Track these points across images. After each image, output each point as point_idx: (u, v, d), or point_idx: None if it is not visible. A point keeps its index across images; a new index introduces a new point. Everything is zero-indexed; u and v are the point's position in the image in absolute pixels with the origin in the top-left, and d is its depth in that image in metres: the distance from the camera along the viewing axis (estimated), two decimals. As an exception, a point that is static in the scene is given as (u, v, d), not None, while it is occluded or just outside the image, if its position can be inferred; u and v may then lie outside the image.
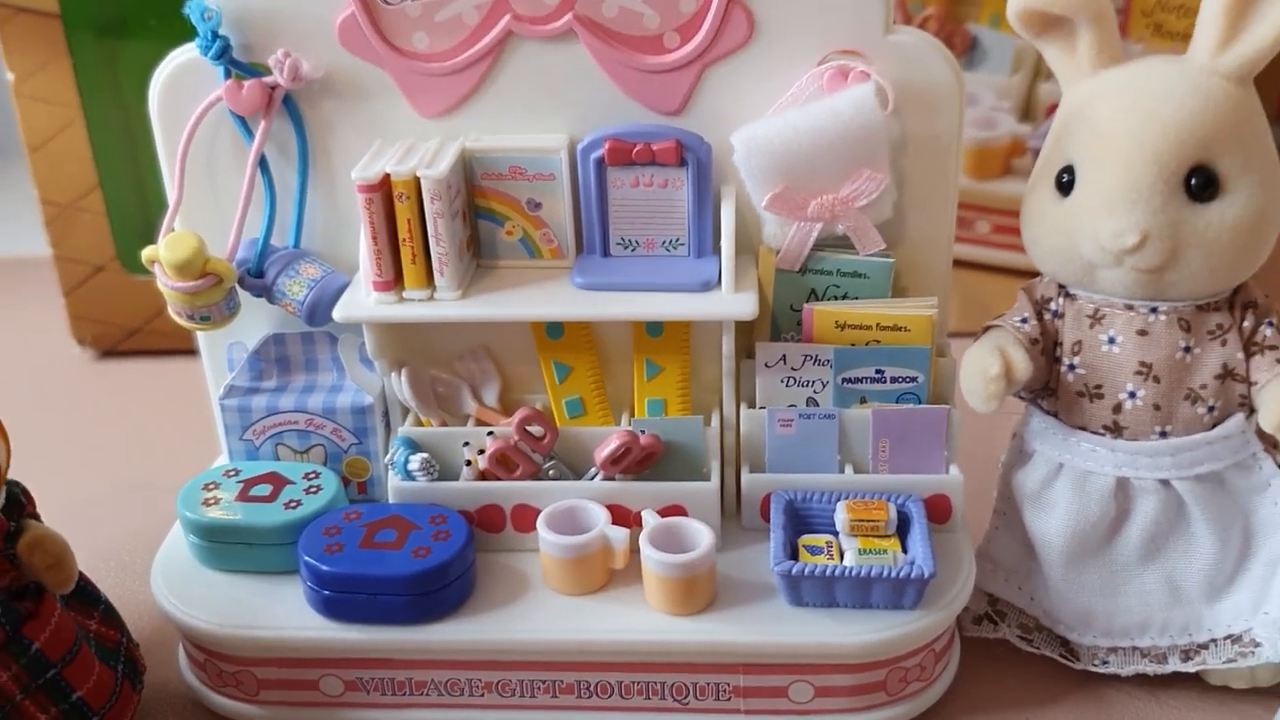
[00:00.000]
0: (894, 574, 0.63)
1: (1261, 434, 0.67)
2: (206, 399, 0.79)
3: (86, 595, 0.68)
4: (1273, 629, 0.66)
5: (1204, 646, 0.70)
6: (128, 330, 1.11)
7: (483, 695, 0.68)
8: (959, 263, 1.04)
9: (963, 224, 1.03)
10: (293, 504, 0.70)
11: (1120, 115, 0.64)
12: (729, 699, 0.67)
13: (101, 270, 1.10)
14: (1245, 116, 0.64)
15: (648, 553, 0.66)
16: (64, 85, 1.04)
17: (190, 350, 1.07)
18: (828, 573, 0.64)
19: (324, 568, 0.65)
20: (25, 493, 0.65)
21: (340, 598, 0.66)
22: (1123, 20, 0.96)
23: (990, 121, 1.00)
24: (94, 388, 1.07)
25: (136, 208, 1.09)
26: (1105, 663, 0.70)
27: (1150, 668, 0.70)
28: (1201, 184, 0.63)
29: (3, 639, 0.62)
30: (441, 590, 0.66)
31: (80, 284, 1.10)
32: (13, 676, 0.62)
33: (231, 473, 0.73)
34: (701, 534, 0.66)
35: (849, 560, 0.65)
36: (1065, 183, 0.66)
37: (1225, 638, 0.69)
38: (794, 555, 0.66)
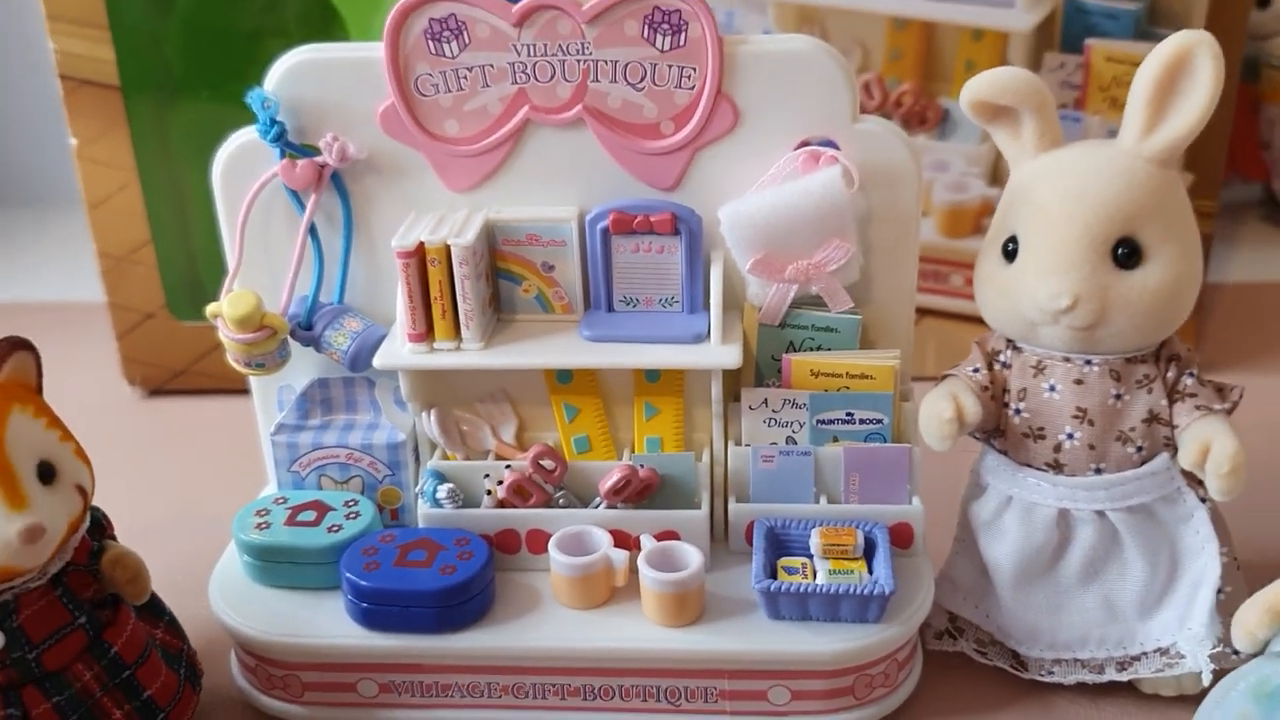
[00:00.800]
0: (860, 591, 0.71)
1: (1184, 471, 0.73)
2: (246, 433, 0.87)
3: (154, 608, 0.76)
4: (1194, 643, 0.73)
5: (1136, 659, 0.76)
6: (174, 371, 1.19)
7: (500, 697, 0.75)
8: (935, 312, 1.13)
9: (938, 278, 1.11)
10: (335, 528, 0.77)
11: (1057, 193, 0.71)
12: (716, 701, 0.74)
13: (151, 317, 1.17)
14: (1166, 194, 0.71)
15: (645, 572, 0.73)
16: (122, 150, 1.11)
17: (231, 390, 1.16)
18: (802, 590, 0.71)
19: (362, 583, 0.73)
20: (105, 518, 0.73)
21: (376, 609, 0.73)
22: (1081, 95, 1.05)
23: (962, 186, 1.08)
24: (143, 424, 1.15)
25: (184, 261, 1.17)
26: (1050, 673, 0.77)
27: (1089, 677, 0.77)
28: (1126, 254, 0.70)
29: (87, 643, 0.69)
30: (465, 604, 0.73)
31: (132, 329, 1.17)
32: (94, 675, 0.69)
33: (280, 500, 0.80)
34: (692, 555, 0.74)
35: (821, 579, 0.73)
36: (1010, 251, 0.74)
37: (1155, 650, 0.75)
38: (773, 575, 0.73)
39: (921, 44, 1.07)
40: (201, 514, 0.96)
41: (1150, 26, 1.06)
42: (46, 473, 0.66)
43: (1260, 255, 1.45)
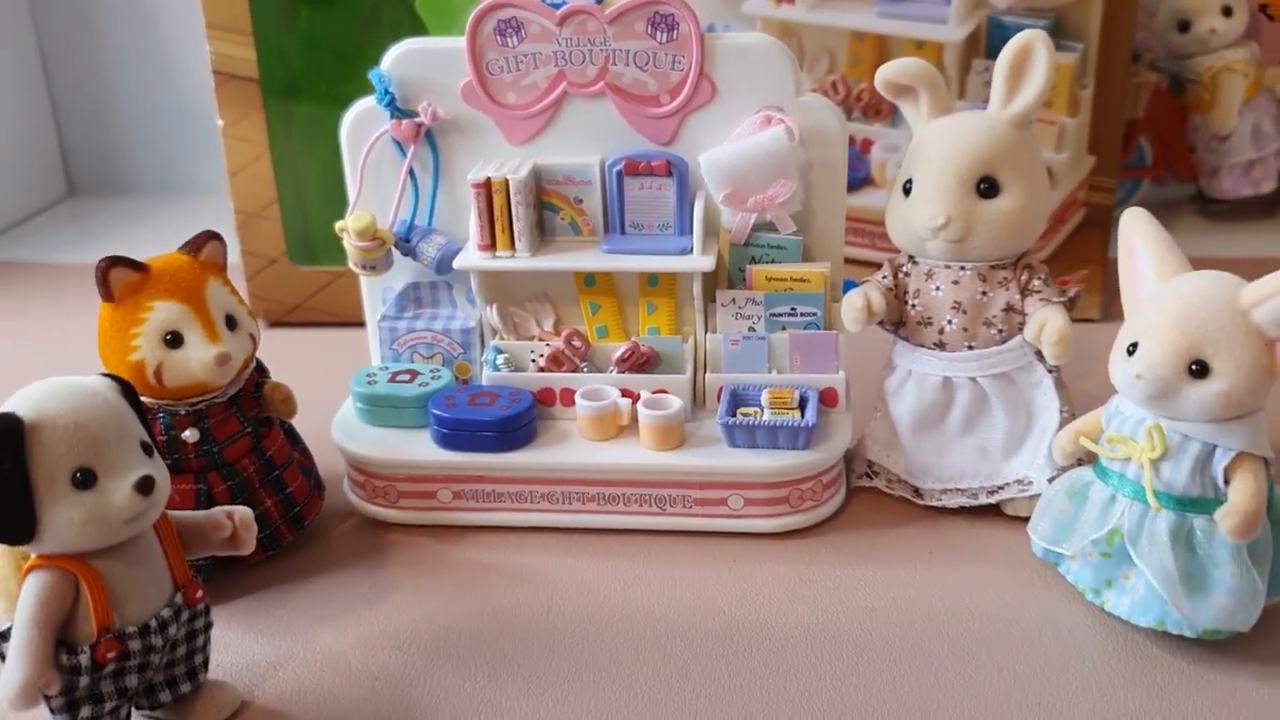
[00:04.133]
0: (791, 424, 0.98)
1: (1037, 352, 0.98)
2: (345, 352, 1.14)
3: (292, 435, 1.03)
4: (1039, 472, 0.98)
5: (1001, 487, 1.00)
6: (290, 306, 1.44)
7: (538, 502, 1.00)
8: (876, 262, 1.38)
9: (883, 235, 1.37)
10: (423, 384, 1.03)
11: (939, 146, 0.96)
12: (691, 506, 0.99)
13: (275, 262, 1.41)
14: (1018, 146, 0.95)
15: (642, 411, 0.98)
16: (257, 130, 1.36)
17: (334, 323, 1.44)
18: (751, 423, 0.97)
19: (444, 415, 0.99)
20: (263, 363, 1.01)
21: (453, 434, 0.99)
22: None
23: (908, 163, 1.34)
24: (267, 346, 1.43)
25: (300, 218, 1.43)
26: (940, 500, 1.02)
27: (967, 502, 1.00)
28: (986, 188, 0.95)
29: (250, 446, 0.95)
30: (516, 431, 0.98)
31: (259, 272, 1.42)
32: (255, 470, 0.96)
33: (383, 368, 1.07)
34: (676, 400, 0.99)
35: (765, 419, 1.00)
36: (907, 189, 0.99)
37: (1014, 481, 0.99)
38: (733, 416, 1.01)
39: (876, 51, 1.32)
40: (316, 400, 1.16)
41: (1056, 39, 1.32)
42: (231, 323, 0.93)
43: (1188, 239, 1.68)
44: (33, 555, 0.76)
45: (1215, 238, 1.69)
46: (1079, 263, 1.33)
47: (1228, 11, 1.62)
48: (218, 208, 1.42)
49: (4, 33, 1.93)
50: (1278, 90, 1.67)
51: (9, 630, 0.75)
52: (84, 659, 0.74)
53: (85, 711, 0.76)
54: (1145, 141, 1.72)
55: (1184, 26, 1.63)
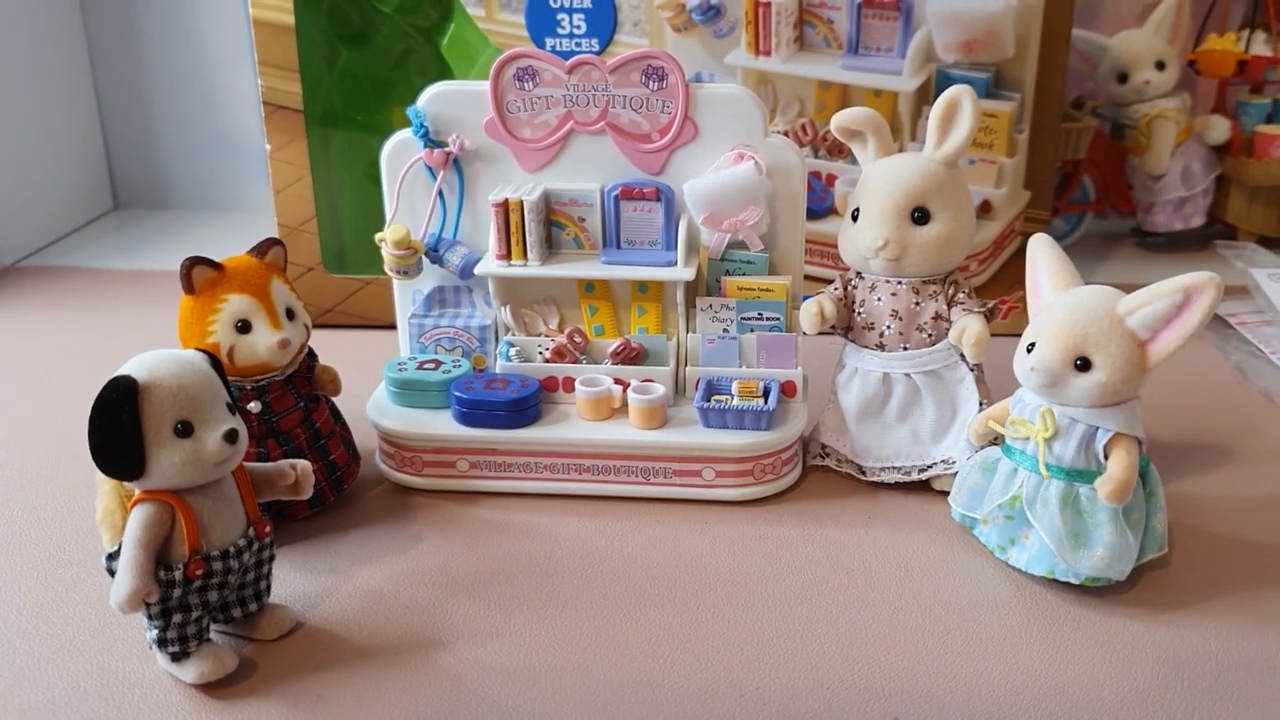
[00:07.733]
0: (755, 409, 1.18)
1: (962, 354, 1.19)
2: (370, 352, 1.30)
3: (335, 412, 1.20)
4: (961, 454, 1.15)
5: (931, 466, 1.15)
6: (323, 310, 1.56)
7: (543, 472, 1.16)
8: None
9: (851, 258, 1.57)
10: (446, 372, 1.21)
11: (882, 180, 1.14)
12: (671, 477, 1.13)
13: (311, 270, 1.54)
14: (947, 182, 1.12)
15: (631, 395, 1.14)
16: (300, 154, 1.50)
17: (362, 325, 1.63)
18: (722, 407, 1.16)
19: (463, 395, 1.16)
20: (313, 350, 1.22)
21: (471, 413, 1.15)
22: (950, 135, 1.50)
23: (868, 195, 1.53)
24: None
25: (334, 233, 1.59)
26: (879, 476, 1.19)
27: (902, 478, 1.16)
28: (919, 216, 1.13)
29: (301, 418, 1.12)
30: (524, 411, 1.13)
31: (296, 279, 1.50)
32: (305, 438, 1.12)
33: (412, 358, 1.24)
34: (660, 388, 1.17)
35: (735, 404, 1.20)
36: (855, 216, 1.18)
37: (940, 461, 1.16)
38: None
39: (839, 99, 1.49)
40: (347, 388, 1.38)
41: (997, 90, 1.51)
42: (290, 315, 1.11)
43: (1125, 267, 1.87)
44: (137, 492, 0.95)
45: (1151, 266, 1.88)
46: (1015, 285, 1.52)
47: (1161, 65, 1.82)
48: (252, 223, 1.58)
49: (59, 58, 2.12)
50: (1205, 136, 1.86)
51: (118, 551, 0.93)
52: (177, 574, 0.93)
53: (176, 618, 0.95)
54: (1088, 180, 1.91)
55: (1123, 78, 1.83)
